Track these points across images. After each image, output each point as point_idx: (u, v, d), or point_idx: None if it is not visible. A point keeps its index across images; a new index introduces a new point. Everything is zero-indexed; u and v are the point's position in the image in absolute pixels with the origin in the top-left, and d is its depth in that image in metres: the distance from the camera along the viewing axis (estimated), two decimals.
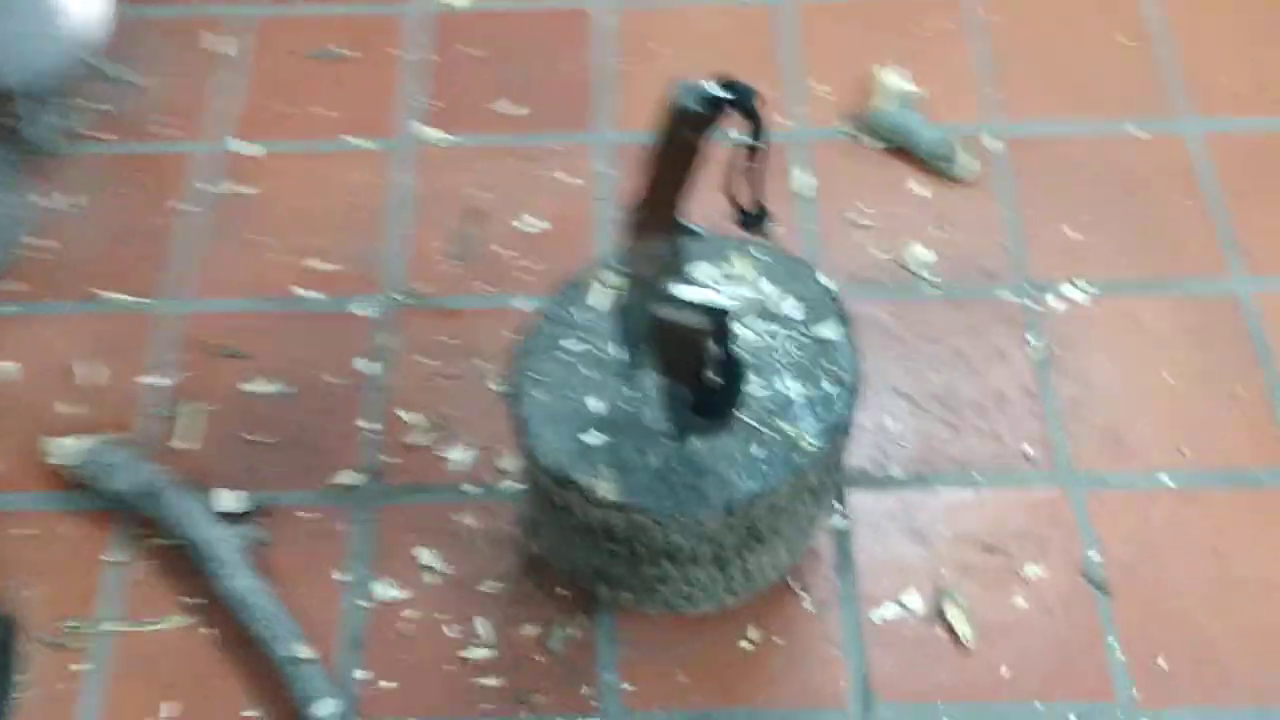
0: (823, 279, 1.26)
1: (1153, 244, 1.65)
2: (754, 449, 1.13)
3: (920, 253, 1.64)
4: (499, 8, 1.91)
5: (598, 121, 1.78)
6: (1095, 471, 1.48)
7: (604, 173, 1.73)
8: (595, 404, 1.17)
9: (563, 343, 1.20)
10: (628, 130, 1.77)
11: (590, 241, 1.65)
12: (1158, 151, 1.74)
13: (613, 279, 1.18)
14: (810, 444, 1.14)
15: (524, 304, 1.60)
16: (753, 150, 0.93)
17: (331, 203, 1.71)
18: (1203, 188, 1.70)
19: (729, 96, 0.88)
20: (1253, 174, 1.71)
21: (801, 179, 1.71)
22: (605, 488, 1.11)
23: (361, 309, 1.61)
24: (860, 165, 1.73)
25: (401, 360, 1.56)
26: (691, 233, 1.00)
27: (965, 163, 1.70)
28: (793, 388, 1.17)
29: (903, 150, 1.73)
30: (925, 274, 1.62)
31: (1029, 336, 1.58)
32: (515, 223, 1.68)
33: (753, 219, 0.96)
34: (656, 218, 0.98)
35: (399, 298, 1.61)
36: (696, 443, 1.13)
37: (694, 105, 0.89)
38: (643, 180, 0.98)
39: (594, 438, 1.14)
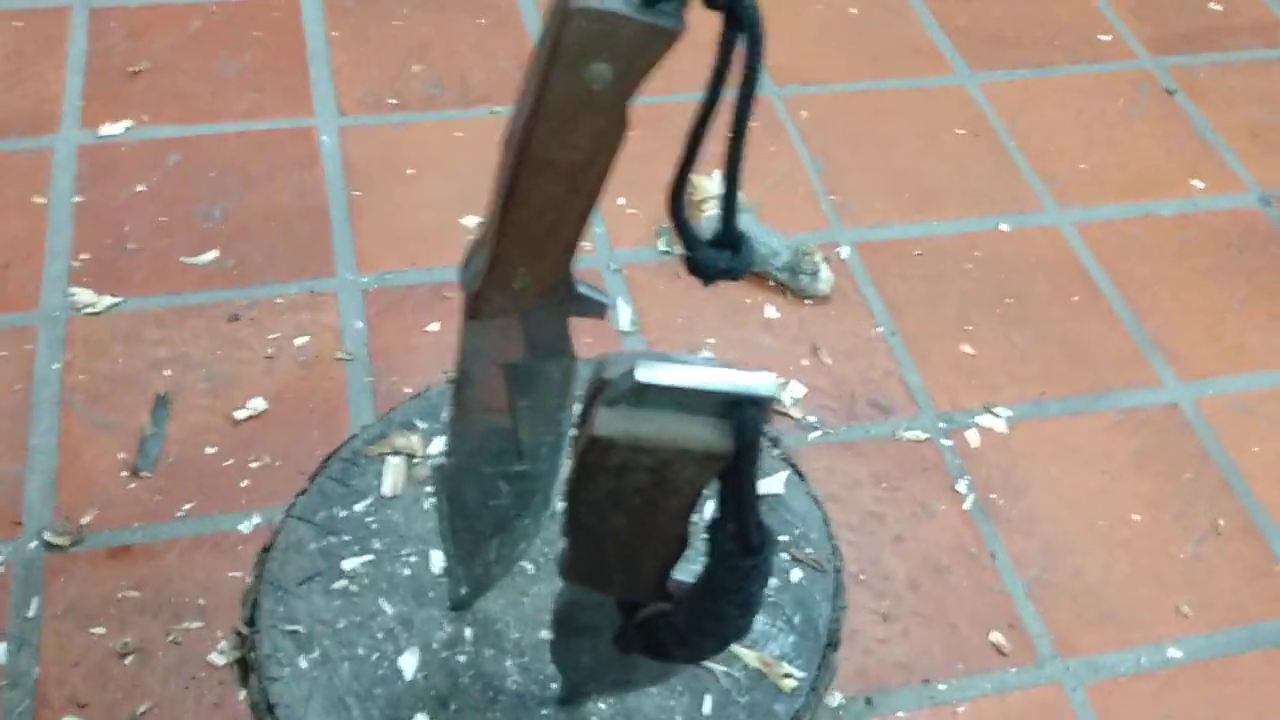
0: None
1: (1061, 352, 1.31)
2: (708, 709, 0.65)
3: (794, 390, 1.23)
4: (166, 135, 1.41)
5: (330, 263, 1.30)
6: (1088, 657, 1.07)
7: (349, 326, 1.23)
8: (409, 662, 0.66)
9: (341, 564, 0.69)
10: (373, 271, 1.29)
11: (336, 419, 1.14)
12: (1035, 247, 1.42)
13: (411, 442, 0.69)
14: (793, 678, 0.67)
15: (249, 523, 1.06)
16: (740, 113, 0.49)
17: None
18: (1098, 283, 1.39)
19: None
20: (1145, 262, 1.42)
21: (616, 311, 1.28)
22: None
23: None
24: (692, 289, 1.32)
25: (56, 637, 0.98)
26: (591, 303, 0.53)
27: (825, 275, 1.32)
28: None
29: None
30: (805, 416, 1.21)
31: (956, 484, 1.18)
32: (225, 408, 1.15)
33: (718, 249, 0.51)
34: (529, 276, 0.51)
35: (52, 540, 1.04)
36: (608, 708, 0.63)
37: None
38: (501, 211, 0.51)
39: None
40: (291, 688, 0.64)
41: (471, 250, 0.54)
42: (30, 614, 1.00)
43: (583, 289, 0.55)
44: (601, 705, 0.64)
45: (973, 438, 1.23)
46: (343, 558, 0.69)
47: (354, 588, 0.67)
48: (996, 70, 1.65)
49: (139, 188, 1.34)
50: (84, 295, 1.23)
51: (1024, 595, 1.11)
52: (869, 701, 1.03)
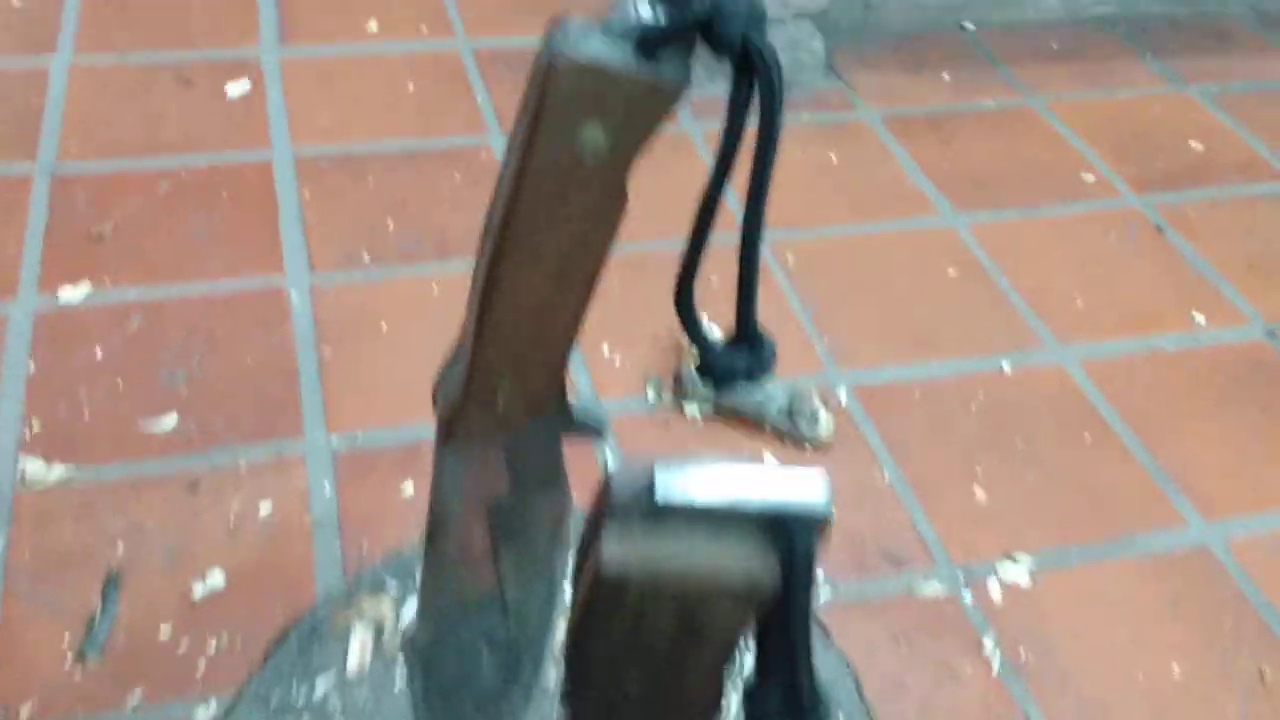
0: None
1: (1078, 494, 1.24)
2: None
3: None
4: (128, 298, 1.34)
5: (298, 424, 1.22)
6: None
7: (317, 491, 1.15)
8: None
9: None
10: (344, 431, 1.21)
11: (302, 592, 1.04)
12: (1040, 386, 1.36)
13: (381, 609, 0.60)
14: None
15: (206, 712, 0.96)
16: (757, 177, 0.42)
17: None
18: (1108, 421, 1.32)
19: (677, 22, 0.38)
20: (1154, 398, 1.36)
21: (605, 461, 1.20)
22: None
23: None
24: (685, 441, 1.25)
25: None
26: (588, 422, 0.45)
27: (824, 419, 1.25)
28: None
29: (736, 416, 1.26)
30: None
31: (981, 642, 1.09)
32: (181, 584, 1.06)
33: (735, 349, 0.44)
34: (514, 390, 0.43)
35: None
36: None
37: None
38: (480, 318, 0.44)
39: None
40: None
41: (447, 361, 0.47)
42: None
43: (577, 406, 0.47)
44: None
45: (994, 590, 1.14)
46: None
47: None
48: (982, 211, 1.61)
49: (97, 353, 1.27)
50: (33, 467, 1.15)
51: None
52: None
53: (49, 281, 1.35)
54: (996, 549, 1.17)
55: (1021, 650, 1.09)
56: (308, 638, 0.63)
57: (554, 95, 0.39)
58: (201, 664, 1.00)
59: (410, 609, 0.65)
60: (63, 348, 1.27)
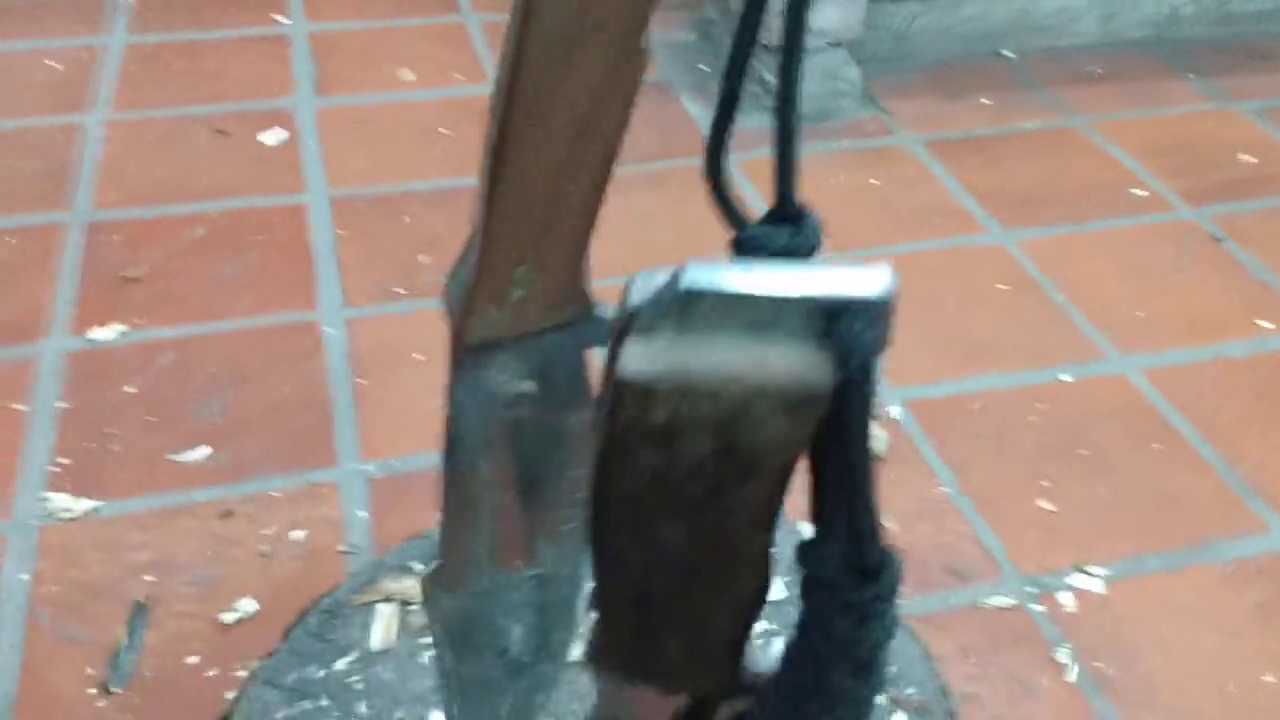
0: None
1: (1151, 503, 1.17)
2: None
3: None
4: (160, 337, 1.32)
5: (331, 453, 1.18)
6: None
7: (352, 517, 1.11)
8: None
9: None
10: (379, 459, 1.17)
11: None
12: (1103, 396, 1.30)
13: (405, 587, 0.56)
14: None
15: None
16: (787, 63, 0.38)
17: None
18: (1178, 429, 1.26)
19: None
20: (1225, 405, 1.29)
21: None
22: None
23: None
24: None
25: None
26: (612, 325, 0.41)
27: (877, 433, 1.19)
28: None
29: None
30: None
31: (1055, 654, 1.02)
32: (211, 612, 1.02)
33: (778, 228, 0.39)
34: (531, 276, 0.39)
35: None
36: None
37: None
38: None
39: None
40: None
41: (458, 262, 0.43)
42: None
43: (601, 308, 0.43)
44: None
45: (1067, 601, 1.07)
46: None
47: None
48: (1031, 227, 1.57)
49: (128, 389, 1.25)
50: (60, 500, 1.11)
51: None
52: None
53: (82, 323, 1.33)
54: (1066, 560, 1.11)
55: (1100, 662, 1.02)
56: (327, 619, 0.59)
57: None
58: (230, 693, 0.95)
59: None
60: (94, 385, 1.25)
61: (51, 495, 1.12)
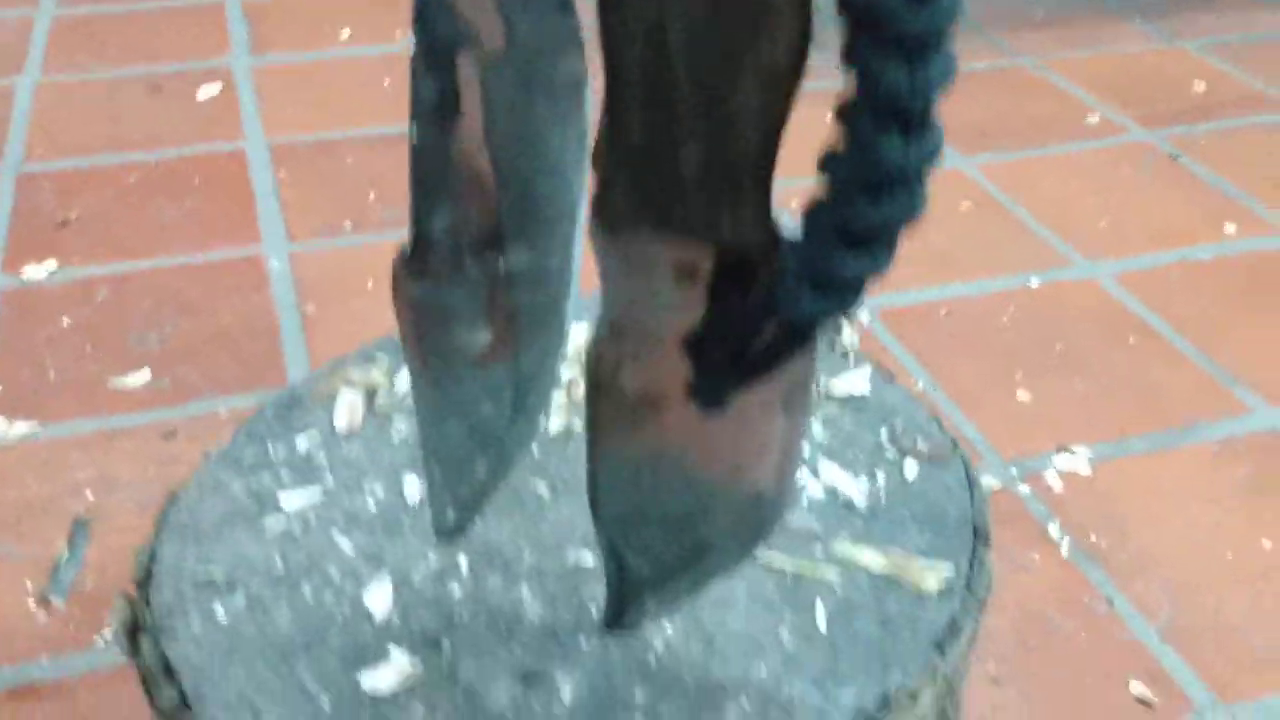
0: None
1: (1132, 393, 1.14)
2: (822, 611, 0.44)
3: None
4: (95, 274, 1.26)
5: (281, 376, 1.13)
6: (1259, 700, 0.85)
7: None
8: (379, 599, 0.45)
9: (278, 500, 0.49)
10: None
11: None
12: (1073, 299, 1.28)
13: (372, 376, 0.51)
14: (937, 575, 0.46)
15: None
16: None
17: None
18: (1152, 325, 1.23)
19: None
20: (1197, 302, 1.27)
21: None
22: None
23: None
24: None
25: None
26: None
27: (847, 335, 1.16)
28: (843, 482, 0.50)
29: None
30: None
31: (1047, 530, 0.98)
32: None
33: None
34: None
35: None
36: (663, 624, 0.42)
37: None
38: None
39: (388, 675, 0.41)
40: (201, 645, 0.42)
41: None
42: None
43: None
44: (667, 625, 0.43)
45: (1053, 482, 1.03)
46: (279, 495, 0.49)
47: (296, 527, 0.47)
48: (989, 153, 1.55)
49: (64, 322, 1.18)
50: None
51: (1159, 641, 0.90)
52: None
53: (12, 263, 1.27)
54: (1049, 443, 1.07)
55: (1093, 535, 0.98)
56: (285, 406, 0.53)
57: None
58: None
59: (403, 379, 0.55)
60: (28, 319, 1.19)
61: None
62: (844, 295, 0.35)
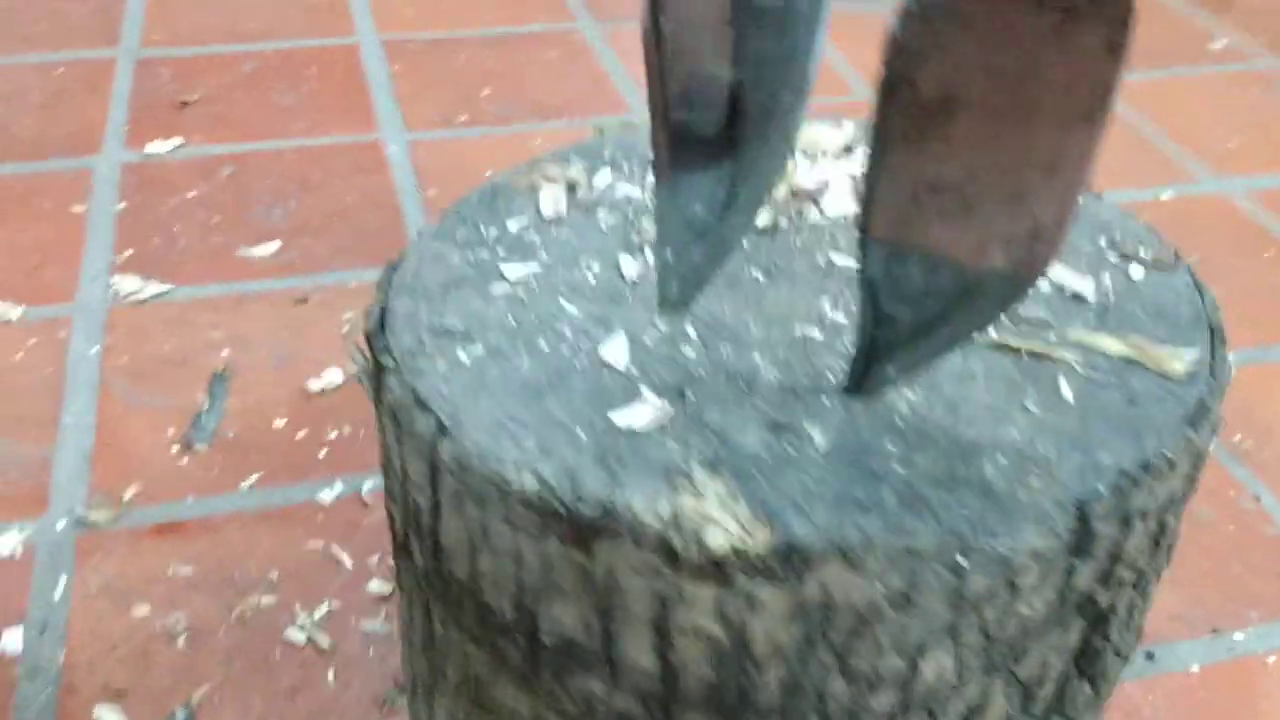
0: None
1: (1268, 302, 1.11)
2: (1066, 386, 0.43)
3: None
4: (218, 152, 1.26)
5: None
6: None
7: None
8: (616, 353, 0.44)
9: (501, 269, 0.49)
10: None
11: None
12: (1206, 213, 1.25)
13: (571, 172, 0.50)
14: (1187, 366, 0.45)
15: (330, 492, 0.85)
16: None
17: None
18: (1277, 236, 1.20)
19: None
20: None
21: None
22: (733, 521, 0.37)
23: (10, 545, 0.81)
24: None
25: (88, 620, 0.76)
26: None
27: None
28: (1071, 279, 0.49)
29: None
30: None
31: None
32: (294, 381, 0.96)
33: None
34: None
35: (85, 517, 0.83)
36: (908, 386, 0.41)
37: None
38: None
39: (642, 413, 0.41)
40: (449, 381, 0.42)
41: None
42: (56, 596, 0.77)
43: None
44: (910, 394, 0.42)
45: None
46: (501, 266, 0.48)
47: (521, 293, 0.46)
48: None
49: (190, 194, 1.19)
50: (127, 283, 1.05)
51: None
52: (1150, 656, 0.78)
53: (136, 139, 1.27)
54: None
55: (1238, 435, 0.96)
56: (489, 196, 0.53)
57: None
58: (322, 452, 0.90)
59: (604, 176, 0.54)
60: (154, 191, 1.19)
61: (118, 278, 1.06)
62: None
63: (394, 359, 0.43)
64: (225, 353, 0.99)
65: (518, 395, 0.41)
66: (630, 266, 0.48)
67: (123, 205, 1.17)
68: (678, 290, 0.46)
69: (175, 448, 0.89)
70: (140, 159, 1.24)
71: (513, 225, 0.51)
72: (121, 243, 1.12)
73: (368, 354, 0.44)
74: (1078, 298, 0.48)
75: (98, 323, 1.02)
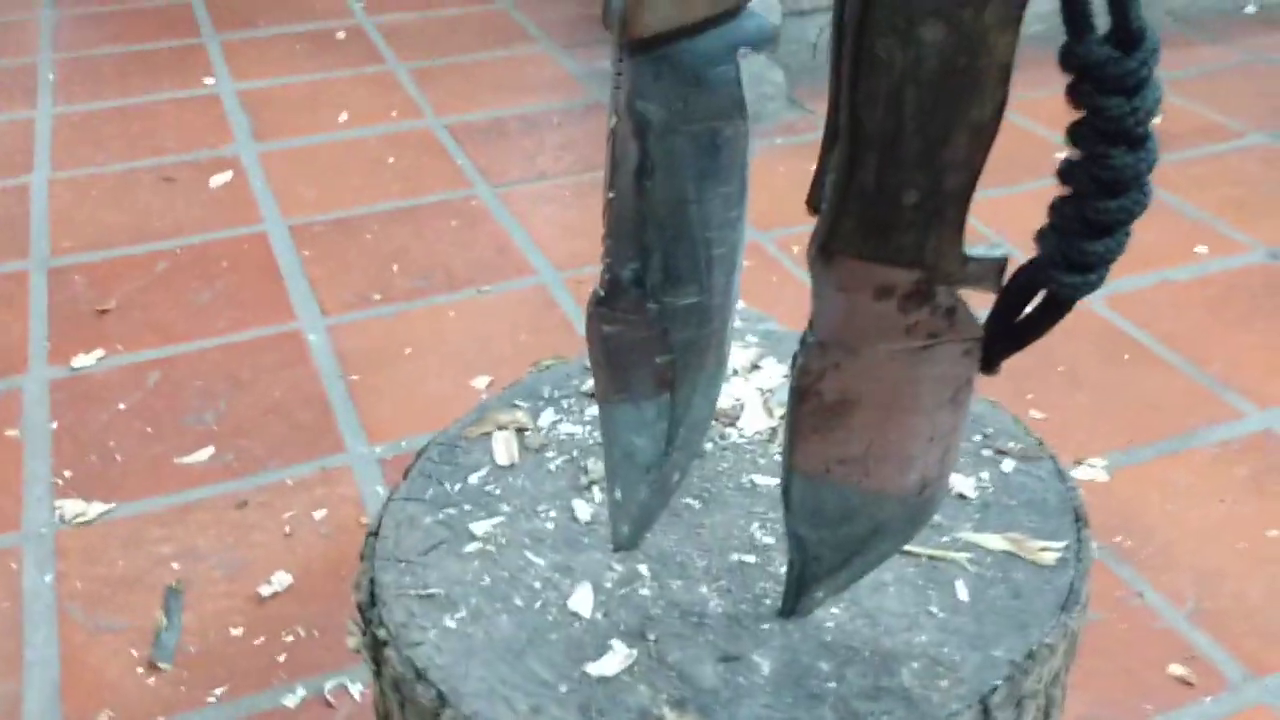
0: None
1: (1133, 405, 1.23)
2: (962, 586, 0.51)
3: None
4: (143, 359, 1.31)
5: (338, 441, 1.18)
6: None
7: (369, 493, 1.11)
8: (583, 602, 0.52)
9: (469, 528, 0.56)
10: (386, 441, 1.18)
11: None
12: (1066, 323, 1.36)
13: (518, 417, 0.58)
14: (1051, 551, 0.54)
15: (294, 697, 0.90)
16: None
17: None
18: (1143, 343, 1.32)
19: None
20: (1181, 319, 1.36)
21: None
22: None
23: None
24: None
25: None
26: (762, 27, 0.46)
27: None
28: (957, 480, 0.57)
29: None
30: None
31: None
32: (246, 589, 1.01)
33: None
34: None
35: None
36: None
37: None
38: None
39: (612, 662, 0.48)
40: (442, 650, 0.48)
41: None
42: None
43: (755, 7, 0.46)
44: (835, 610, 0.50)
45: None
46: (469, 524, 0.55)
47: (490, 548, 0.53)
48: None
49: (120, 406, 1.23)
50: (72, 506, 1.09)
51: (1189, 626, 0.97)
52: None
53: (60, 354, 1.32)
54: (1067, 456, 1.15)
55: (1118, 536, 1.06)
56: (446, 450, 0.60)
57: None
58: (281, 656, 0.94)
59: (548, 417, 0.62)
60: (85, 407, 1.23)
61: (61, 502, 1.10)
62: (1095, 271, 0.44)
63: (389, 632, 0.49)
64: (176, 565, 1.03)
65: (503, 657, 0.48)
66: (583, 509, 0.56)
67: (55, 424, 1.21)
68: (629, 532, 0.53)
69: (140, 669, 0.93)
70: (67, 374, 1.28)
71: (474, 478, 0.58)
72: (59, 463, 1.16)
73: (363, 628, 0.51)
74: (962, 497, 0.57)
75: (47, 549, 1.05)
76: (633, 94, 0.46)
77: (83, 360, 1.30)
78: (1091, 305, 1.39)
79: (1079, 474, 1.13)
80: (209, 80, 2.04)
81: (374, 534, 0.56)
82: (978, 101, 0.42)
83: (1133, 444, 1.18)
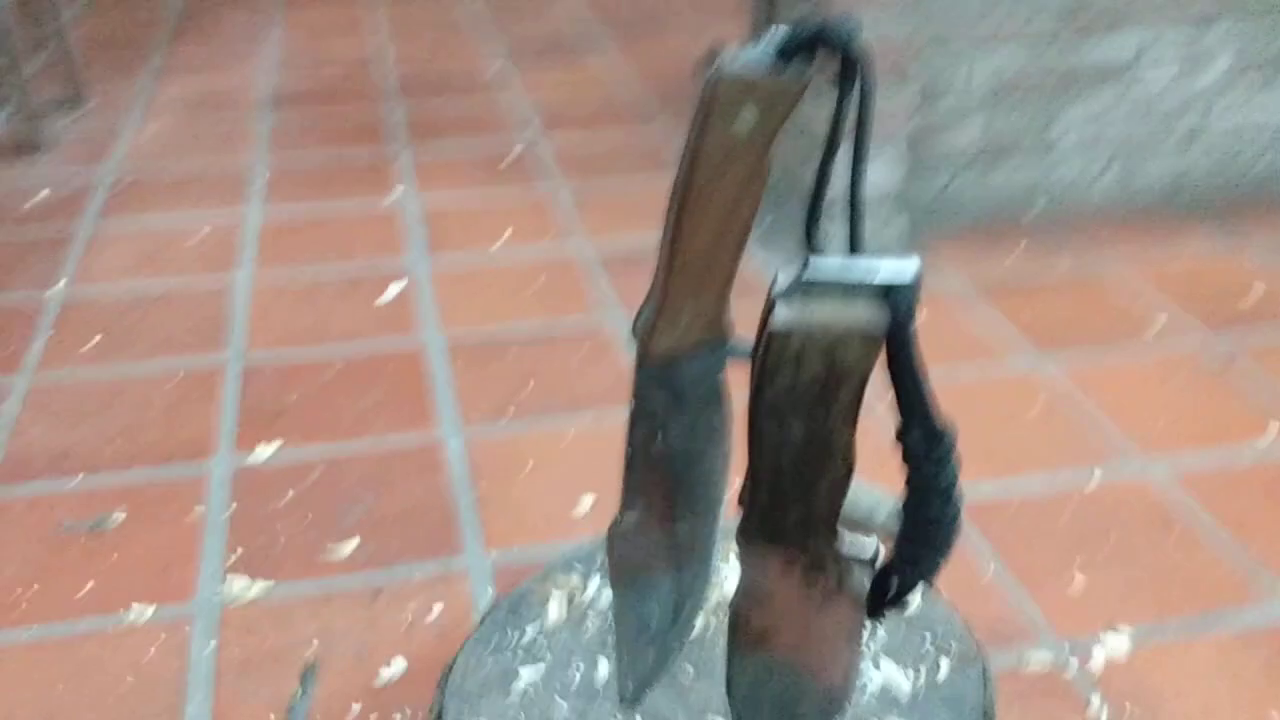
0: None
1: (1170, 582, 1.34)
2: None
3: None
4: (310, 456, 1.55)
5: (460, 545, 1.39)
6: None
7: (480, 593, 1.31)
8: None
9: (518, 670, 0.75)
10: (500, 549, 1.38)
11: None
12: (1128, 494, 1.48)
13: (572, 581, 0.77)
14: None
15: None
16: (860, 133, 0.61)
17: (100, 695, 1.20)
18: (1193, 521, 1.43)
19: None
20: (1234, 502, 1.46)
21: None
22: None
23: None
24: None
25: None
26: (741, 350, 0.64)
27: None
28: (894, 674, 0.73)
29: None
30: None
31: (1090, 700, 1.18)
32: (368, 671, 1.22)
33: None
34: (694, 311, 0.62)
35: None
36: None
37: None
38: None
39: None
40: None
41: (641, 308, 0.64)
42: None
43: (736, 338, 0.65)
44: None
45: (1098, 658, 1.23)
46: (518, 668, 0.74)
47: (531, 691, 0.72)
48: (1063, 350, 1.77)
49: (290, 494, 1.47)
50: (238, 583, 1.33)
51: None
52: None
53: (245, 441, 1.57)
54: (1099, 623, 1.27)
55: (1127, 705, 1.18)
56: (517, 602, 0.79)
57: (721, 92, 0.59)
58: None
59: (593, 585, 0.80)
60: (259, 492, 1.48)
61: (230, 577, 1.34)
62: (929, 574, 0.62)
63: None
64: (315, 643, 1.25)
65: None
66: (603, 668, 0.74)
67: (235, 505, 1.45)
68: (632, 691, 0.71)
69: None
70: (248, 464, 1.53)
71: (530, 631, 0.77)
72: (234, 541, 1.40)
73: None
74: (897, 697, 0.73)
75: (214, 619, 1.29)
76: (642, 390, 0.65)
77: (263, 450, 1.55)
78: (1153, 479, 1.50)
79: (1106, 642, 1.25)
80: (400, 187, 2.32)
81: (449, 669, 0.75)
82: (831, 464, 0.59)
83: (1162, 618, 1.29)
